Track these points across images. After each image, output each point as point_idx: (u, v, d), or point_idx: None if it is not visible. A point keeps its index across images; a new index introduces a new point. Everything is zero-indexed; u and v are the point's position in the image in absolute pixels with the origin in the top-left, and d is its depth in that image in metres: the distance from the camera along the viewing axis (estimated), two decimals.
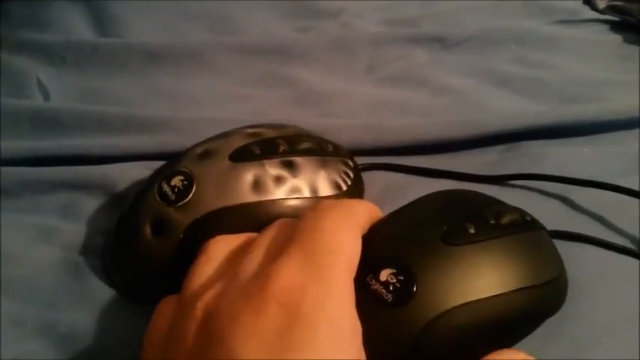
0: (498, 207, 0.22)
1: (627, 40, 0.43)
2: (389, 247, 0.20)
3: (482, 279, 0.19)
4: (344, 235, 0.18)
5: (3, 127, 0.33)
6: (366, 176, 0.28)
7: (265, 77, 0.39)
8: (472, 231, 0.20)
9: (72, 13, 0.43)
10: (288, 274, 0.16)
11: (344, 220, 0.19)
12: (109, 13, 0.43)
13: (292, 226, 0.19)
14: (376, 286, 0.18)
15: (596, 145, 0.32)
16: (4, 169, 0.30)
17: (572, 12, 0.46)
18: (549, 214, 0.26)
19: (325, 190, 0.25)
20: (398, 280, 0.19)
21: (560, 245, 0.23)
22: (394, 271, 0.19)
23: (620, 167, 0.30)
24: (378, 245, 0.20)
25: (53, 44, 0.40)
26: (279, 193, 0.24)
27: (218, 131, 0.27)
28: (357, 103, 0.36)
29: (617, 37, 0.43)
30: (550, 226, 0.24)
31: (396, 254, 0.19)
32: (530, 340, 0.21)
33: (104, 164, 0.30)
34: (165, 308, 0.19)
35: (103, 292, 0.24)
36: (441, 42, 0.42)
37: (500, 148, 0.32)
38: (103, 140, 0.32)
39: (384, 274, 0.19)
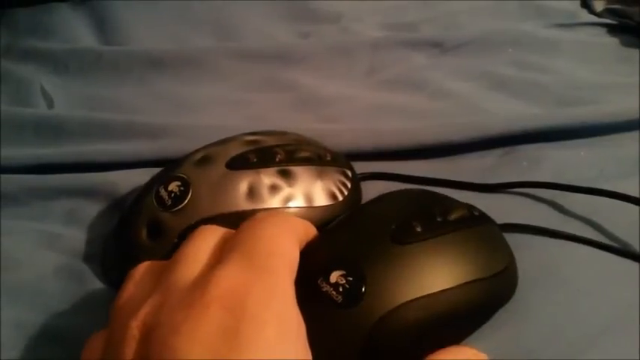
0: (446, 204, 0.23)
1: (625, 43, 0.43)
2: (339, 249, 0.21)
3: (430, 275, 0.20)
4: (282, 240, 0.18)
5: (7, 135, 0.33)
6: (365, 185, 0.29)
7: (266, 82, 0.39)
8: (419, 229, 0.21)
9: (75, 21, 0.44)
10: (230, 277, 0.16)
11: (281, 228, 0.19)
12: (111, 21, 0.44)
13: (227, 236, 0.19)
14: (326, 288, 0.19)
15: (594, 148, 0.33)
16: (9, 176, 0.30)
17: (569, 15, 0.46)
18: (544, 220, 0.27)
19: (321, 199, 0.25)
20: (347, 282, 0.19)
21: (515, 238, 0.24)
22: (344, 272, 0.19)
23: (617, 170, 0.31)
24: (329, 248, 0.21)
25: (57, 52, 0.41)
26: (273, 202, 0.24)
27: (219, 137, 0.28)
28: (356, 107, 0.37)
29: (614, 40, 0.43)
30: None
31: (346, 256, 0.20)
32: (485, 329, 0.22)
33: (107, 171, 0.31)
34: (95, 342, 0.18)
35: (106, 297, 0.24)
36: (439, 46, 0.42)
37: (498, 151, 0.32)
38: (107, 147, 0.33)
39: (334, 276, 0.19)
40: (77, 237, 0.28)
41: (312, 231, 0.21)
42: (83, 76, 0.40)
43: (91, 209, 0.29)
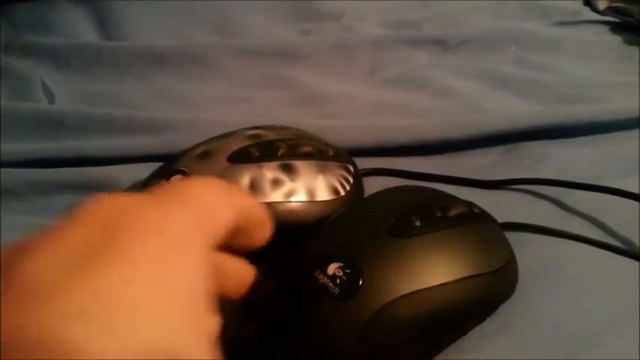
0: (446, 200, 0.23)
1: (627, 42, 0.43)
2: (337, 242, 0.21)
3: (427, 269, 0.20)
4: (207, 193, 0.15)
5: (9, 130, 0.33)
6: (367, 181, 0.28)
7: (268, 79, 0.39)
8: (418, 223, 0.21)
9: (76, 17, 0.44)
10: (118, 200, 0.13)
11: (212, 186, 0.16)
12: (112, 16, 0.44)
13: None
14: (324, 280, 0.19)
15: (596, 146, 0.33)
16: (10, 170, 0.30)
17: (572, 13, 0.46)
18: (547, 217, 0.27)
19: (323, 194, 0.25)
20: (345, 274, 0.19)
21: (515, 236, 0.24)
22: (341, 264, 0.19)
23: (619, 168, 0.31)
24: (327, 240, 0.21)
25: (58, 47, 0.41)
26: (275, 195, 0.24)
27: (220, 133, 0.27)
28: (358, 105, 0.37)
29: (617, 39, 0.43)
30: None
31: (344, 249, 0.20)
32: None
33: (109, 165, 0.31)
34: None
35: None
36: (441, 44, 0.42)
37: (500, 148, 0.32)
38: (107, 142, 0.33)
39: (332, 269, 0.19)
40: None
41: (255, 211, 0.17)
42: (84, 71, 0.40)
43: None
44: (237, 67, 0.40)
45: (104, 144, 0.32)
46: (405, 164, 0.31)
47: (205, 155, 0.25)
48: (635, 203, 0.26)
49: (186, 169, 0.24)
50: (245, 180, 0.24)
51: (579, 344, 0.21)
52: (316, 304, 0.19)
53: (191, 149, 0.26)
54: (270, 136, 0.26)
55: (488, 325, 0.22)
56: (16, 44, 0.41)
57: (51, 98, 0.37)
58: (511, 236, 0.24)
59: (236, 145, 0.25)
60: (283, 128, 0.28)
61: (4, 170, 0.30)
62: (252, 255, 0.24)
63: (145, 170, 0.29)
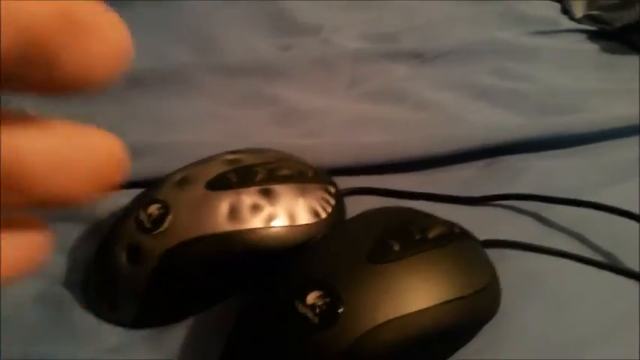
0: (426, 221, 0.23)
1: (605, 49, 0.43)
2: (316, 270, 0.21)
3: (407, 294, 0.20)
4: None
5: None
6: (349, 201, 0.28)
7: (248, 97, 0.39)
8: (397, 247, 0.21)
9: None
10: None
11: None
12: None
13: None
14: (303, 310, 0.19)
15: (576, 157, 0.33)
16: None
17: (549, 22, 0.47)
18: (529, 232, 0.27)
19: (304, 217, 0.25)
20: (324, 303, 0.19)
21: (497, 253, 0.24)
22: (321, 293, 0.19)
23: (598, 179, 0.31)
24: (305, 269, 0.21)
25: None
26: (255, 222, 0.24)
27: (200, 155, 0.27)
28: (338, 120, 0.37)
29: (594, 46, 0.44)
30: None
31: (323, 277, 0.20)
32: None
33: None
34: None
35: (86, 324, 0.24)
36: (419, 57, 0.42)
37: (480, 163, 0.32)
38: None
39: (311, 298, 0.19)
40: (57, 262, 0.27)
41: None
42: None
43: (70, 233, 0.28)
44: (216, 85, 0.40)
45: None
46: (385, 181, 0.31)
47: (183, 183, 0.25)
48: (614, 217, 0.27)
49: (163, 198, 0.24)
50: (224, 207, 0.24)
51: (563, 358, 0.21)
52: (297, 334, 0.19)
53: (169, 176, 0.26)
54: (249, 160, 0.26)
55: (473, 344, 0.22)
56: None
57: None
58: (493, 253, 0.24)
59: (214, 170, 0.25)
60: (262, 151, 0.28)
61: None
62: (235, 281, 0.24)
63: (123, 197, 0.28)
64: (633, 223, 0.26)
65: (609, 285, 0.25)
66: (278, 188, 0.25)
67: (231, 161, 0.26)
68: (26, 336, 0.23)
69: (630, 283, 0.25)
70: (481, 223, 0.25)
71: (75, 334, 0.23)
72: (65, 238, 0.28)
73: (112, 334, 0.23)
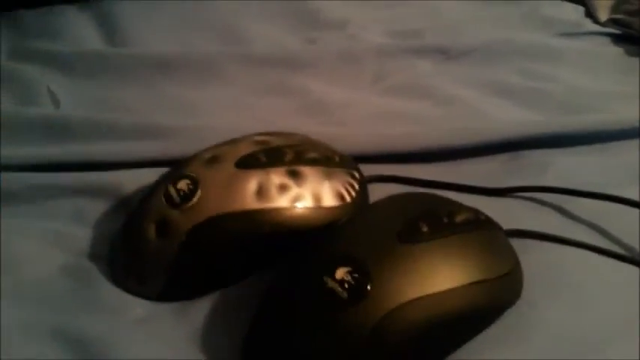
0: (452, 207, 0.23)
1: (628, 53, 0.43)
2: (346, 246, 0.21)
3: (435, 274, 0.20)
4: None
5: (14, 134, 0.33)
6: (372, 188, 0.28)
7: (273, 87, 0.40)
8: (425, 229, 0.21)
9: (81, 23, 0.44)
10: None
11: None
12: (118, 23, 0.44)
13: None
14: (332, 284, 0.19)
15: (598, 155, 0.33)
16: (14, 174, 0.30)
17: (574, 24, 0.47)
18: (551, 224, 0.27)
19: (329, 200, 0.25)
20: (353, 278, 0.19)
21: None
22: (350, 269, 0.20)
23: (621, 177, 0.31)
24: (335, 245, 0.21)
25: (63, 54, 0.41)
26: (282, 201, 0.24)
27: (224, 139, 0.28)
28: (363, 113, 0.37)
29: (618, 50, 0.44)
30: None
31: (352, 253, 0.20)
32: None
33: (114, 170, 0.31)
34: None
35: (112, 297, 0.24)
36: (445, 53, 0.42)
37: (503, 157, 0.33)
38: (113, 147, 0.33)
39: (340, 273, 0.19)
40: (84, 236, 0.27)
41: None
42: (89, 78, 0.40)
43: (98, 208, 0.29)
44: (242, 74, 0.40)
45: (109, 149, 0.32)
46: (409, 171, 0.31)
47: (213, 160, 0.25)
48: (636, 211, 0.27)
49: (193, 174, 0.25)
50: (252, 185, 0.24)
51: (584, 350, 0.21)
52: (325, 308, 0.19)
53: (198, 154, 0.26)
54: (277, 142, 0.27)
55: (494, 330, 0.22)
56: (22, 50, 0.41)
57: (56, 104, 0.37)
58: (516, 243, 0.24)
59: (243, 150, 0.26)
60: (290, 135, 0.28)
61: (8, 174, 0.30)
62: (260, 259, 0.25)
63: (150, 175, 0.29)
64: None
65: (630, 278, 0.25)
66: (305, 170, 0.25)
67: (260, 142, 0.26)
68: (53, 308, 0.24)
69: None
70: (504, 214, 0.25)
71: (101, 306, 0.24)
72: (91, 212, 0.29)
73: (139, 306, 0.24)
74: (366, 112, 0.37)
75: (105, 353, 0.22)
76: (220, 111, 0.37)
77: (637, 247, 0.26)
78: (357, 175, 0.27)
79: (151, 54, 0.41)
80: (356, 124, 0.35)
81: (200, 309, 0.23)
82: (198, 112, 0.37)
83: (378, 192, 0.28)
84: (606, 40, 0.45)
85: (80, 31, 0.44)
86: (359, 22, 0.47)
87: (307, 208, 0.25)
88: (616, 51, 0.44)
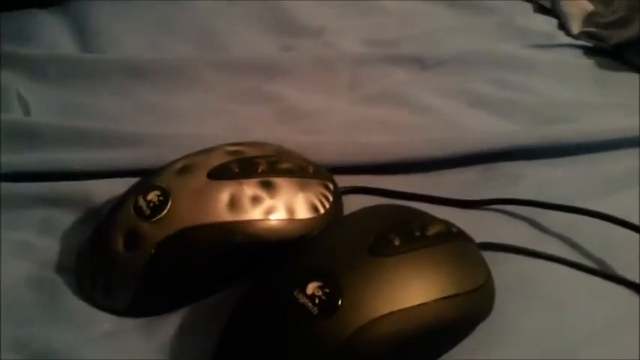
0: (425, 219, 0.23)
1: (600, 65, 0.44)
2: (317, 260, 0.21)
3: (406, 289, 0.20)
4: None
5: None
6: (347, 199, 0.28)
7: (249, 94, 0.39)
8: (397, 242, 0.21)
9: (55, 27, 0.44)
10: None
11: None
12: (92, 28, 0.44)
13: None
14: (303, 300, 0.19)
15: (571, 166, 0.33)
16: None
17: (547, 36, 0.48)
18: (523, 237, 0.27)
19: (302, 211, 0.25)
20: (324, 293, 0.19)
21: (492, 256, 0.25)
22: (321, 284, 0.19)
23: (593, 188, 0.31)
24: (307, 259, 0.21)
25: (35, 58, 0.40)
26: (255, 213, 0.24)
27: (199, 147, 0.27)
28: (338, 121, 0.37)
29: (591, 62, 0.45)
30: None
31: (324, 267, 0.20)
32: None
33: (84, 180, 0.30)
34: None
35: (77, 310, 0.24)
36: (420, 62, 0.42)
37: (478, 168, 0.33)
38: (83, 155, 0.32)
39: (311, 288, 0.19)
40: (50, 247, 0.27)
41: None
42: (61, 83, 0.39)
43: (66, 219, 0.28)
44: (217, 80, 0.40)
45: (80, 157, 0.32)
46: (384, 182, 0.31)
47: (184, 171, 0.25)
48: (607, 224, 0.27)
49: (164, 185, 0.24)
50: (224, 197, 0.24)
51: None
52: (296, 323, 0.19)
53: (170, 165, 0.26)
54: (251, 152, 0.26)
55: (467, 343, 0.22)
56: None
57: (26, 110, 0.36)
58: (488, 255, 0.24)
59: (216, 160, 0.25)
60: (263, 145, 0.28)
61: None
62: (232, 272, 0.24)
63: (121, 185, 0.28)
64: (625, 231, 0.27)
65: (600, 291, 0.25)
66: (278, 181, 0.25)
67: (232, 152, 0.26)
68: (17, 320, 0.23)
69: (620, 290, 0.25)
70: (477, 226, 0.26)
71: (67, 319, 0.23)
72: (60, 222, 0.28)
73: (105, 321, 0.23)
74: (341, 120, 0.37)
75: None
76: (195, 118, 0.37)
77: (606, 259, 0.26)
78: (331, 186, 0.27)
79: (125, 59, 0.41)
80: (331, 133, 0.35)
81: (169, 323, 0.23)
82: (172, 118, 0.37)
83: (352, 203, 0.28)
84: (579, 52, 0.46)
85: (53, 35, 0.43)
86: (335, 30, 0.47)
87: (280, 220, 0.24)
88: (588, 63, 0.45)
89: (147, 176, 0.26)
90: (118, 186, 0.28)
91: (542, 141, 0.33)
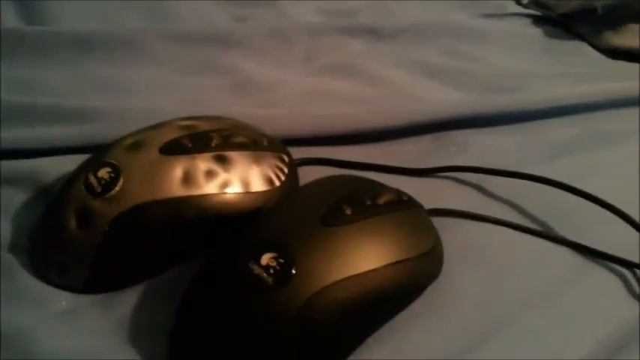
0: (376, 189, 0.24)
1: (548, 34, 0.45)
2: (270, 232, 0.21)
3: (358, 256, 0.21)
4: None
5: None
6: (302, 171, 0.29)
7: (203, 66, 0.39)
8: (349, 212, 0.22)
9: None
10: None
11: None
12: (37, 4, 0.42)
13: None
14: (258, 271, 0.20)
15: (517, 134, 0.35)
16: None
17: (497, 6, 0.49)
18: (471, 203, 0.28)
19: (257, 184, 0.25)
20: (278, 264, 0.20)
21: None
22: (275, 254, 0.20)
23: (538, 154, 0.33)
24: (261, 231, 0.22)
25: None
26: (209, 187, 0.24)
27: (152, 122, 0.27)
28: (293, 93, 0.37)
29: (539, 31, 0.46)
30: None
31: (277, 239, 0.21)
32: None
33: (33, 158, 0.29)
34: None
35: (33, 289, 0.24)
36: (375, 33, 0.43)
37: (430, 137, 0.34)
38: (32, 132, 0.31)
39: (265, 259, 0.20)
40: (1, 227, 0.26)
41: None
42: (6, 57, 0.37)
43: (16, 198, 0.27)
44: (170, 53, 0.39)
45: (28, 135, 0.31)
46: (338, 153, 0.31)
47: (135, 146, 0.25)
48: (550, 189, 0.28)
49: (114, 162, 0.24)
50: (178, 172, 0.24)
51: (501, 318, 0.23)
52: (251, 294, 0.19)
53: (120, 140, 0.25)
54: (204, 126, 0.26)
55: (417, 305, 0.23)
56: None
57: None
58: (437, 221, 0.25)
59: (168, 136, 0.25)
60: (217, 119, 0.28)
61: None
62: (188, 247, 0.24)
63: (71, 162, 0.28)
64: (567, 195, 0.28)
65: (544, 253, 0.26)
66: (233, 155, 0.25)
67: (185, 127, 0.26)
68: None
69: (563, 251, 0.26)
70: (426, 194, 0.26)
71: (22, 299, 0.23)
72: (8, 202, 0.27)
73: (61, 299, 0.23)
74: (296, 91, 0.37)
75: (28, 347, 0.21)
76: (147, 92, 0.36)
77: (549, 222, 0.28)
78: (286, 158, 0.27)
79: (72, 31, 0.39)
80: (286, 104, 0.35)
81: (125, 300, 0.23)
82: (124, 93, 0.36)
83: (308, 174, 0.28)
84: (528, 21, 0.47)
85: None
86: (289, 0, 0.46)
87: (236, 193, 0.25)
88: (537, 32, 0.46)
89: (97, 153, 0.26)
90: (68, 163, 0.28)
91: (491, 109, 0.35)
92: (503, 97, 0.36)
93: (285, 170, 0.27)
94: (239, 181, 0.25)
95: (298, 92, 0.37)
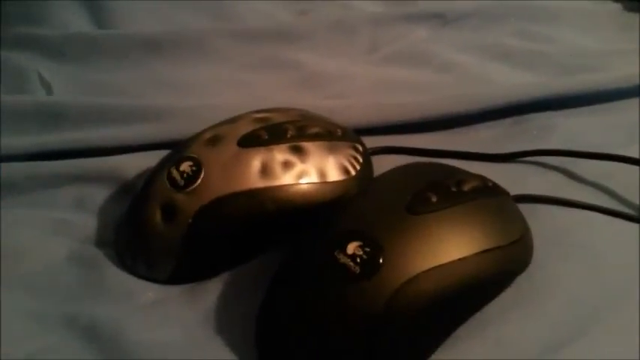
0: (460, 175, 0.23)
1: (627, 9, 0.43)
2: (356, 221, 0.21)
3: (446, 244, 0.20)
4: None
5: (8, 124, 0.33)
6: (376, 160, 0.28)
7: (268, 62, 0.39)
8: (434, 199, 0.21)
9: (69, 8, 0.43)
10: None
11: None
12: (106, 6, 0.43)
13: None
14: (344, 260, 0.19)
15: (600, 115, 0.33)
16: (11, 164, 0.30)
17: None
18: (557, 187, 0.27)
19: (334, 174, 0.25)
20: (365, 252, 0.19)
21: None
22: (361, 243, 0.19)
23: (623, 136, 0.31)
24: (345, 221, 0.21)
25: (51, 39, 0.40)
26: (287, 178, 0.24)
27: (222, 118, 0.27)
28: (360, 84, 0.37)
29: (616, 6, 0.43)
30: None
31: (363, 228, 0.20)
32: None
33: (111, 155, 0.30)
34: None
35: (121, 282, 0.24)
36: (440, 18, 0.42)
37: (507, 121, 0.32)
38: (109, 131, 0.32)
39: (351, 248, 0.19)
40: (87, 223, 0.27)
41: None
42: (80, 61, 0.39)
43: (100, 195, 0.29)
44: (234, 50, 0.40)
45: (105, 134, 0.32)
46: (411, 141, 0.31)
47: (214, 140, 0.25)
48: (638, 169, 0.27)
49: (195, 156, 0.24)
50: (256, 164, 0.24)
51: (597, 310, 0.22)
52: (338, 283, 0.19)
53: (198, 135, 0.26)
54: (278, 118, 0.26)
55: (507, 295, 0.22)
56: (9, 37, 0.40)
57: (48, 90, 0.37)
58: (524, 208, 0.24)
59: (244, 129, 0.25)
60: (289, 110, 0.28)
61: (5, 165, 0.30)
62: (268, 237, 0.24)
63: (149, 159, 0.29)
64: None
65: (637, 238, 0.25)
66: (308, 145, 0.25)
67: (260, 119, 0.26)
68: (63, 297, 0.24)
69: None
70: (510, 180, 0.25)
71: (111, 292, 0.24)
72: (93, 199, 0.28)
73: (148, 291, 0.24)
74: (363, 82, 0.37)
75: (118, 339, 0.21)
76: (216, 89, 0.37)
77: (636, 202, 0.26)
78: (360, 147, 0.27)
79: (141, 34, 0.41)
80: (354, 96, 0.35)
81: (211, 290, 0.23)
82: (194, 91, 0.37)
83: (382, 163, 0.28)
84: None
85: (67, 15, 0.43)
86: None
87: (312, 183, 0.24)
88: (614, 7, 0.43)
89: (177, 148, 0.26)
90: (147, 160, 0.29)
91: (570, 90, 0.33)
92: (582, 77, 0.35)
93: (360, 159, 0.26)
94: (315, 171, 0.25)
95: (365, 83, 0.37)
